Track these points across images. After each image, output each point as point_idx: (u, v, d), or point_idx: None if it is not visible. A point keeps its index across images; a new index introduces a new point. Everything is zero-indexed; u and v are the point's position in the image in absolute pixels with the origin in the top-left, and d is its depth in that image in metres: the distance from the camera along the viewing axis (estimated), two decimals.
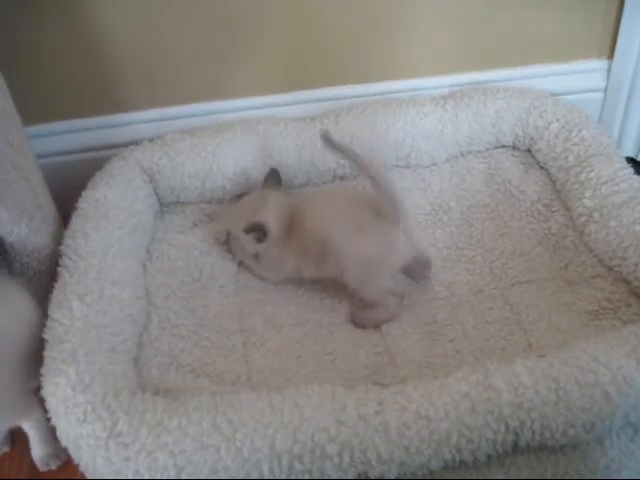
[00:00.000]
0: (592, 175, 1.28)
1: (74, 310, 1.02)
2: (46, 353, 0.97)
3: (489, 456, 0.90)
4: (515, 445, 0.90)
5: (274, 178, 1.33)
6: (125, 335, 1.07)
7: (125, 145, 1.39)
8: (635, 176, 1.27)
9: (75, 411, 0.91)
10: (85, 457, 0.90)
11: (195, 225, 1.37)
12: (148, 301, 1.19)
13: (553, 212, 1.33)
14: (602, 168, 1.28)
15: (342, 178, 1.44)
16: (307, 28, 1.42)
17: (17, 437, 1.14)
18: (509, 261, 1.27)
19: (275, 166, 1.35)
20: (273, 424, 0.87)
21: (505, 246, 1.30)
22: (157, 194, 1.37)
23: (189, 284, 1.25)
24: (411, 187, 1.42)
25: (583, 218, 1.26)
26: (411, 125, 1.41)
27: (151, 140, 1.39)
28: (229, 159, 1.37)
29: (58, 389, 0.93)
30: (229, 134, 1.38)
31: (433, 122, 1.42)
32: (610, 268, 1.20)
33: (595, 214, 1.23)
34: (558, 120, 1.40)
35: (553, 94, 1.49)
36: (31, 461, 1.11)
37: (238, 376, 1.11)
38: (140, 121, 1.47)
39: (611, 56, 1.53)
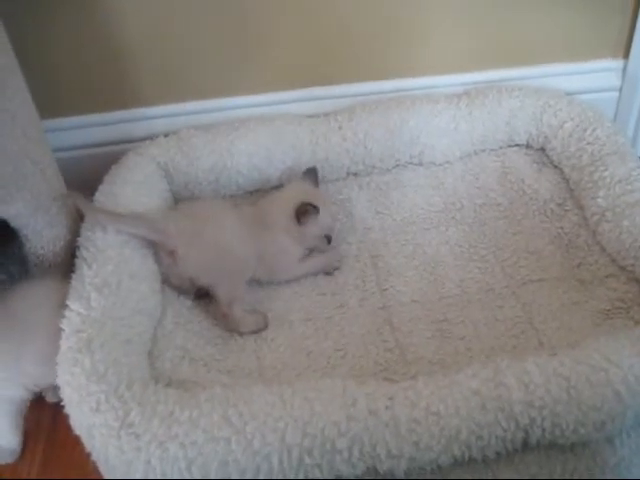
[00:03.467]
0: (606, 174, 1.28)
1: (92, 301, 1.03)
2: (62, 342, 0.98)
3: (498, 453, 0.90)
4: (525, 443, 0.90)
5: (312, 175, 1.34)
6: (140, 328, 1.08)
7: (140, 139, 1.41)
8: None
9: (88, 400, 0.92)
10: (97, 446, 0.91)
11: None
12: (163, 296, 1.20)
13: (566, 211, 1.33)
14: (616, 167, 1.28)
15: (355, 175, 1.45)
16: (322, 25, 1.43)
17: (27, 437, 1.16)
18: (521, 260, 1.27)
19: (311, 165, 1.37)
20: (283, 418, 0.87)
21: (517, 244, 1.30)
22: (171, 189, 1.38)
23: None
24: (424, 185, 1.43)
25: (596, 217, 1.26)
26: (425, 123, 1.42)
27: (166, 135, 1.40)
28: (243, 155, 1.38)
29: (73, 378, 0.94)
30: (243, 130, 1.39)
31: (447, 120, 1.42)
32: (623, 268, 1.20)
33: (608, 213, 1.23)
34: (572, 119, 1.40)
35: (568, 93, 1.49)
36: (42, 461, 1.13)
37: (249, 371, 1.12)
38: (155, 116, 1.48)
39: (626, 55, 1.53)
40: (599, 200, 1.26)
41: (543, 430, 0.88)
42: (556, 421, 0.88)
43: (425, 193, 1.40)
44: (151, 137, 1.40)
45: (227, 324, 1.18)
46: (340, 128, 1.41)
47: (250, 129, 1.39)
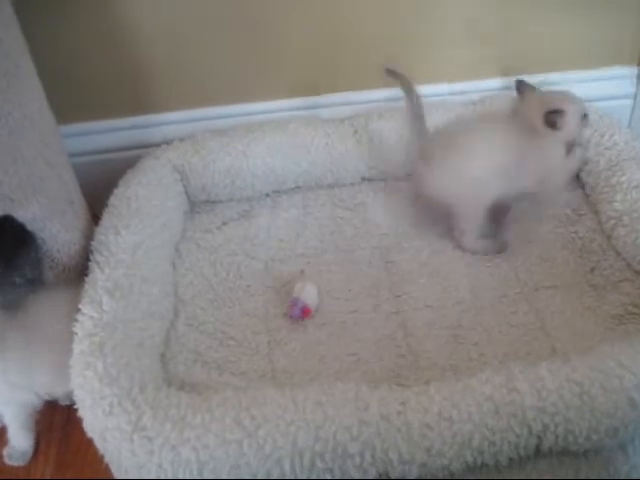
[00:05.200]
0: (623, 179, 1.28)
1: (104, 305, 1.04)
2: (75, 346, 0.99)
3: (511, 459, 0.90)
4: (537, 449, 0.89)
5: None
6: (152, 330, 1.09)
7: (155, 145, 1.42)
8: None
9: (101, 403, 0.92)
10: (110, 449, 0.92)
11: (224, 223, 1.39)
12: (176, 298, 1.21)
13: (581, 216, 1.33)
14: (634, 172, 1.28)
15: (370, 180, 1.46)
16: (338, 31, 1.43)
17: (40, 438, 1.17)
18: (534, 265, 1.27)
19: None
20: (295, 421, 0.88)
21: (531, 250, 1.29)
22: (187, 193, 1.40)
23: (216, 283, 1.27)
24: None
25: (612, 222, 1.26)
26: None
27: (182, 139, 1.41)
28: (259, 158, 1.39)
29: (86, 381, 0.94)
30: (259, 133, 1.40)
31: None
32: (638, 272, 1.20)
33: (625, 217, 1.23)
34: (590, 125, 1.39)
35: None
36: (55, 462, 1.14)
37: (262, 374, 1.12)
38: (170, 122, 1.49)
39: None
40: (616, 204, 1.26)
41: (556, 436, 0.88)
42: (569, 427, 0.87)
43: None
44: (167, 142, 1.41)
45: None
46: (355, 132, 1.42)
47: (266, 132, 1.40)
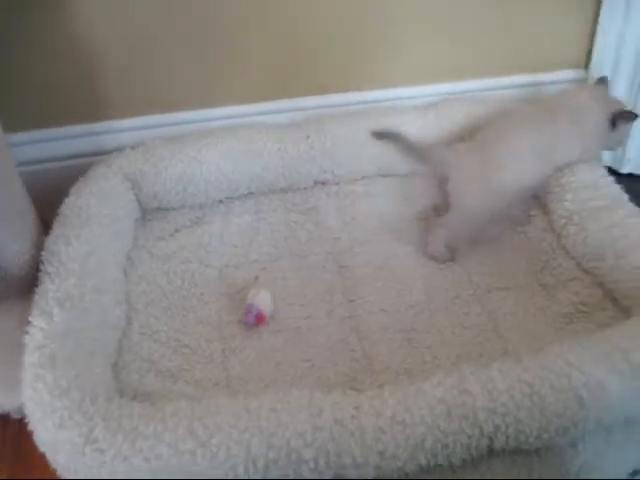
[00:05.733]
0: (573, 179, 1.31)
1: (54, 316, 1.02)
2: (25, 358, 0.97)
3: (464, 460, 0.90)
4: (490, 449, 0.90)
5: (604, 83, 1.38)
6: (104, 340, 1.07)
7: (107, 153, 1.40)
8: (615, 184, 1.30)
9: (52, 417, 0.91)
10: (62, 462, 0.90)
11: (177, 230, 1.38)
12: (129, 307, 1.20)
13: (531, 216, 1.35)
14: (584, 174, 1.31)
15: (323, 184, 1.46)
16: (291, 37, 1.44)
17: None
18: (486, 267, 1.29)
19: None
20: (249, 429, 0.87)
21: (482, 253, 1.31)
22: (139, 200, 1.38)
23: (170, 291, 1.26)
24: (392, 195, 1.44)
25: (563, 221, 1.28)
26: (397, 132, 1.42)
27: (133, 147, 1.40)
28: (211, 164, 1.38)
29: (36, 394, 0.93)
30: (211, 140, 1.40)
31: (415, 131, 1.42)
32: (587, 271, 1.22)
33: (575, 217, 1.26)
34: None
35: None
36: (8, 476, 1.12)
37: (217, 382, 1.11)
38: (123, 129, 1.47)
39: (587, 66, 1.56)
40: (566, 204, 1.29)
41: (507, 436, 0.89)
42: (520, 427, 0.89)
43: (392, 203, 1.42)
44: (118, 150, 1.40)
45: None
46: (308, 137, 1.42)
47: (218, 138, 1.40)
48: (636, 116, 1.29)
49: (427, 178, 1.38)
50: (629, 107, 1.44)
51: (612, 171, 1.60)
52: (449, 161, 1.30)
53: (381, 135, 1.36)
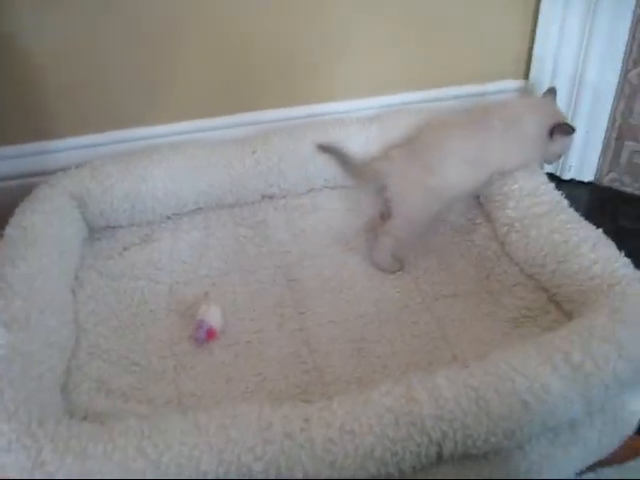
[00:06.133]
0: (515, 187, 1.34)
1: (0, 338, 1.01)
2: None
3: (414, 467, 0.91)
4: (439, 455, 0.91)
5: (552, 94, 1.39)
6: (52, 362, 1.06)
7: (54, 172, 1.39)
8: (555, 190, 1.33)
9: (0, 440, 0.89)
10: None
11: (125, 248, 1.37)
12: (77, 327, 1.18)
13: (476, 225, 1.38)
14: (525, 181, 1.34)
15: (271, 198, 1.47)
16: (236, 54, 1.45)
17: None
18: (434, 276, 1.31)
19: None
20: (199, 445, 0.87)
21: (430, 261, 1.33)
22: (86, 219, 1.37)
23: (119, 310, 1.25)
24: (339, 207, 1.46)
25: (505, 228, 1.31)
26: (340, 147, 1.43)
27: (79, 166, 1.39)
28: (158, 181, 1.38)
29: None
30: (157, 156, 1.40)
31: (359, 143, 1.45)
32: (530, 276, 1.25)
33: (517, 224, 1.29)
34: None
35: None
36: None
37: (169, 400, 1.10)
38: (68, 148, 1.47)
39: (527, 76, 1.60)
40: (508, 211, 1.32)
41: (455, 442, 0.90)
42: (467, 432, 0.90)
43: (340, 215, 1.43)
44: (63, 170, 1.39)
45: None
46: (254, 152, 1.43)
47: (163, 155, 1.40)
48: (573, 130, 1.32)
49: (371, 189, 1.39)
50: (568, 118, 1.49)
51: (555, 177, 1.65)
52: (385, 169, 1.31)
53: (325, 149, 1.37)
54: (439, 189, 1.29)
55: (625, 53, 1.49)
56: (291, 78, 1.50)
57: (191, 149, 1.41)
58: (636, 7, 1.44)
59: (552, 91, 1.39)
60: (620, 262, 1.12)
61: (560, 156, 1.41)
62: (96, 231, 1.39)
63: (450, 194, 1.31)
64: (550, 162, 1.46)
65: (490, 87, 1.62)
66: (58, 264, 1.21)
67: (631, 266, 1.12)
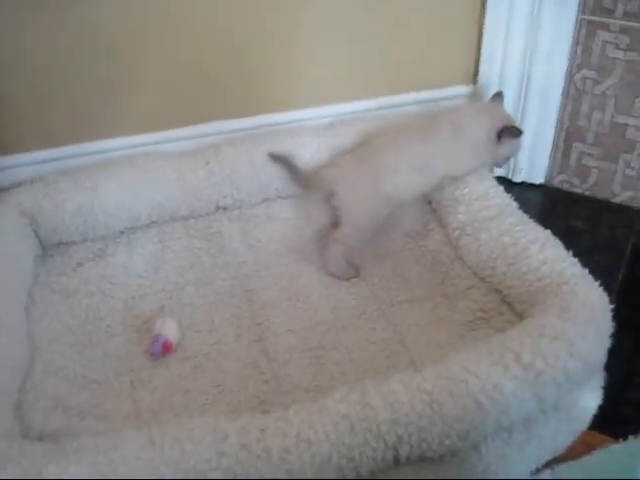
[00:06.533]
0: (466, 191, 1.36)
1: None
2: None
3: (372, 472, 0.92)
4: (396, 460, 0.92)
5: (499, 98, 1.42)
6: (4, 381, 1.05)
7: (5, 189, 1.37)
8: (505, 193, 1.35)
9: None
10: None
11: (79, 264, 1.36)
12: (31, 345, 1.17)
13: (429, 231, 1.40)
14: (475, 185, 1.36)
15: (225, 209, 1.47)
16: (188, 67, 1.45)
17: None
18: (389, 282, 1.32)
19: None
20: (154, 459, 0.86)
21: (385, 268, 1.34)
22: (38, 236, 1.36)
23: (75, 326, 1.24)
24: (294, 217, 1.46)
25: (457, 232, 1.33)
26: (290, 156, 1.44)
27: (31, 182, 1.38)
28: (109, 194, 1.37)
29: None
30: (108, 170, 1.39)
31: (311, 152, 1.45)
32: (482, 279, 1.27)
33: (468, 228, 1.31)
34: None
35: None
36: None
37: (126, 416, 1.10)
38: (21, 164, 1.45)
39: (475, 82, 1.62)
40: (460, 216, 1.33)
41: (411, 446, 0.91)
42: (422, 436, 0.91)
43: (295, 224, 1.44)
44: (15, 186, 1.37)
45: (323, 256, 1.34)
46: (207, 163, 1.43)
47: (115, 169, 1.40)
48: (521, 132, 1.35)
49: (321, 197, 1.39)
50: (516, 120, 1.51)
51: (506, 180, 1.67)
52: (332, 177, 1.33)
53: (276, 158, 1.37)
54: (387, 195, 1.30)
55: (570, 57, 1.52)
56: (244, 89, 1.51)
57: (143, 162, 1.41)
58: (578, 12, 1.47)
59: (499, 95, 1.42)
60: (568, 262, 1.14)
61: (509, 159, 1.43)
62: (49, 248, 1.38)
63: (398, 200, 1.33)
64: (500, 165, 1.48)
65: (441, 93, 1.63)
66: (9, 282, 1.21)
67: (579, 265, 1.14)
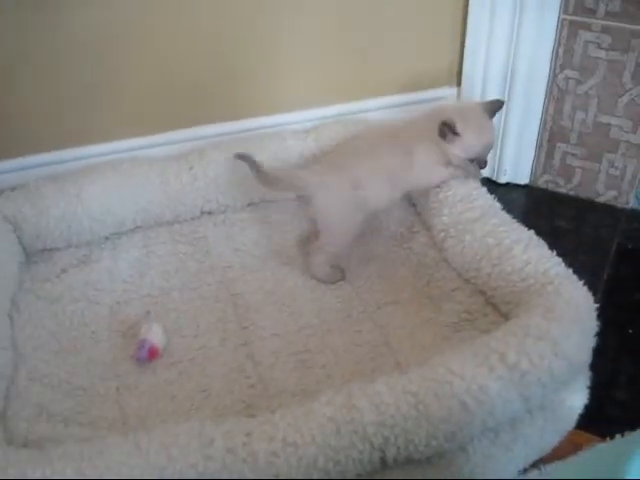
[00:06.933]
0: (449, 194, 1.35)
1: None
2: None
3: (359, 474, 0.92)
4: (383, 462, 0.92)
5: (493, 106, 1.36)
6: None
7: None
8: (488, 194, 1.35)
9: None
10: None
11: (64, 271, 1.35)
12: (16, 352, 1.16)
13: (414, 233, 1.40)
14: (458, 187, 1.35)
15: (210, 213, 1.47)
16: (170, 70, 1.45)
17: None
18: (375, 284, 1.32)
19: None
20: (140, 465, 0.86)
21: (371, 270, 1.35)
22: (22, 243, 1.35)
23: (59, 333, 1.23)
24: (278, 221, 1.46)
25: (442, 234, 1.32)
26: (274, 160, 1.44)
27: (14, 188, 1.37)
28: (93, 200, 1.37)
29: None
30: (92, 176, 1.38)
31: (296, 156, 1.46)
32: (467, 280, 1.27)
33: (452, 230, 1.30)
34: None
35: None
36: None
37: (112, 422, 1.09)
38: (4, 170, 1.44)
39: (459, 83, 1.63)
40: (444, 218, 1.33)
41: (397, 448, 0.91)
42: (408, 437, 0.90)
43: (280, 228, 1.44)
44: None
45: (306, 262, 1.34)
46: (191, 168, 1.43)
47: (99, 174, 1.39)
48: (453, 125, 1.28)
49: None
50: (501, 121, 1.52)
51: (491, 181, 1.68)
52: (306, 182, 1.31)
53: (242, 157, 1.35)
54: (362, 203, 1.30)
55: (552, 57, 1.53)
56: (227, 93, 1.51)
57: (127, 167, 1.40)
58: (560, 12, 1.48)
59: (494, 103, 1.37)
60: (552, 261, 1.14)
61: (480, 162, 1.34)
62: (33, 254, 1.37)
63: (374, 207, 1.33)
64: (475, 174, 1.39)
65: (425, 95, 1.64)
66: None
67: (563, 265, 1.14)
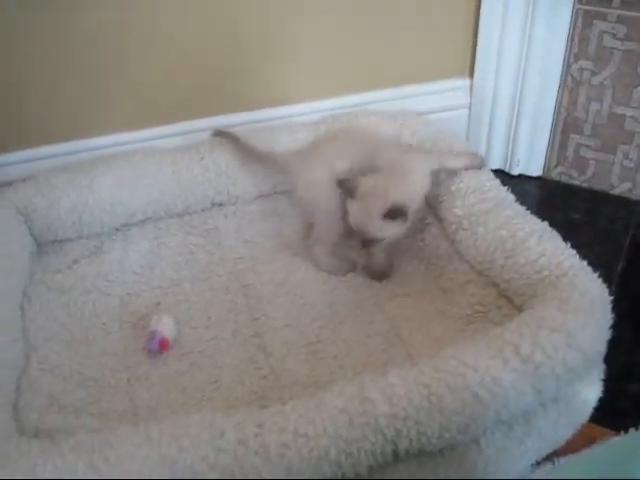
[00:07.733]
0: (461, 185, 1.33)
1: None
2: None
3: (371, 467, 0.91)
4: (395, 454, 0.91)
5: None
6: (1, 380, 1.04)
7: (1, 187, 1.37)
8: (501, 186, 1.33)
9: None
10: None
11: (75, 262, 1.35)
12: (27, 344, 1.16)
13: (427, 225, 1.38)
14: (470, 179, 1.34)
15: (220, 205, 1.46)
16: (180, 61, 1.45)
17: None
18: None
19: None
20: (151, 457, 0.86)
21: None
22: (33, 234, 1.35)
23: (70, 324, 1.23)
24: (289, 212, 1.45)
25: (454, 226, 1.31)
26: (286, 151, 1.42)
27: (24, 180, 1.37)
28: (105, 191, 1.36)
29: None
30: (103, 167, 1.38)
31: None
32: (480, 273, 1.25)
33: (465, 222, 1.28)
34: (429, 138, 1.46)
35: (421, 113, 1.55)
36: None
37: (123, 413, 1.09)
38: (14, 162, 1.45)
39: (472, 74, 1.62)
40: (456, 210, 1.31)
41: (410, 439, 0.90)
42: (421, 429, 0.90)
43: (289, 220, 1.43)
44: (8, 184, 1.37)
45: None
46: (202, 159, 1.42)
47: (109, 165, 1.38)
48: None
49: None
50: (514, 114, 1.50)
51: (504, 173, 1.67)
52: (295, 168, 1.32)
53: (221, 134, 1.37)
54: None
55: (567, 47, 1.51)
56: (238, 85, 1.50)
57: (138, 158, 1.40)
58: (575, 2, 1.46)
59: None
60: (566, 254, 1.13)
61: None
62: (44, 245, 1.37)
63: None
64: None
65: (437, 86, 1.63)
66: (4, 281, 1.19)
67: (577, 257, 1.12)
